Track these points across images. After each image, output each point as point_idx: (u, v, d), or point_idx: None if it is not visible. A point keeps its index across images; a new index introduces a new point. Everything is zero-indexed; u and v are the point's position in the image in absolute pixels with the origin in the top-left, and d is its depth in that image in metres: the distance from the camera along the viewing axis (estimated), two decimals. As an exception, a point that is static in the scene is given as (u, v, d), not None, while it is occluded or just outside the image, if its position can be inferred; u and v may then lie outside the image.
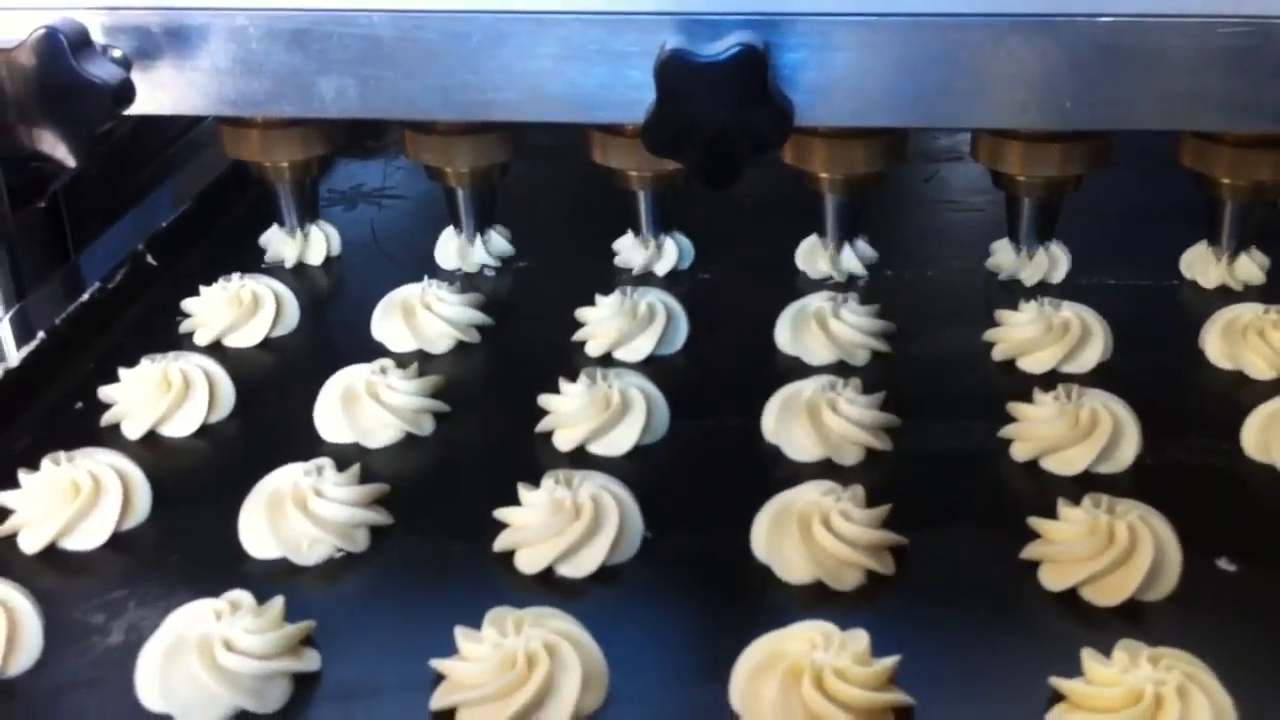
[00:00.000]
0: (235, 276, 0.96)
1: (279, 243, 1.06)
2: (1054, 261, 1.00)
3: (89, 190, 1.08)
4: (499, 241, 1.06)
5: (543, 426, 0.83)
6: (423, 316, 0.92)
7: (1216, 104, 0.60)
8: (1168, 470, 0.79)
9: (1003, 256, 1.01)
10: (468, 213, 0.90)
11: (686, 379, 0.90)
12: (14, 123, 0.64)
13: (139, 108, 0.64)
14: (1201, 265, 0.99)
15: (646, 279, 1.02)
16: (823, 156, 0.79)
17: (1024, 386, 0.86)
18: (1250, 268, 0.97)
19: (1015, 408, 0.83)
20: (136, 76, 0.64)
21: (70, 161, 0.63)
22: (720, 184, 0.62)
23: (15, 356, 0.87)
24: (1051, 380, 0.87)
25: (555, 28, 0.62)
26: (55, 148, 0.62)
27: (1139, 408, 0.81)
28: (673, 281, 1.03)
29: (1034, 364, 0.90)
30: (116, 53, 0.64)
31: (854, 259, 1.02)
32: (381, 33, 0.63)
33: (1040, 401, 0.82)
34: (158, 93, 0.66)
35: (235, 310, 0.94)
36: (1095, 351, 0.90)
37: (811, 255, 1.03)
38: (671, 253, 1.03)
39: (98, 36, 0.64)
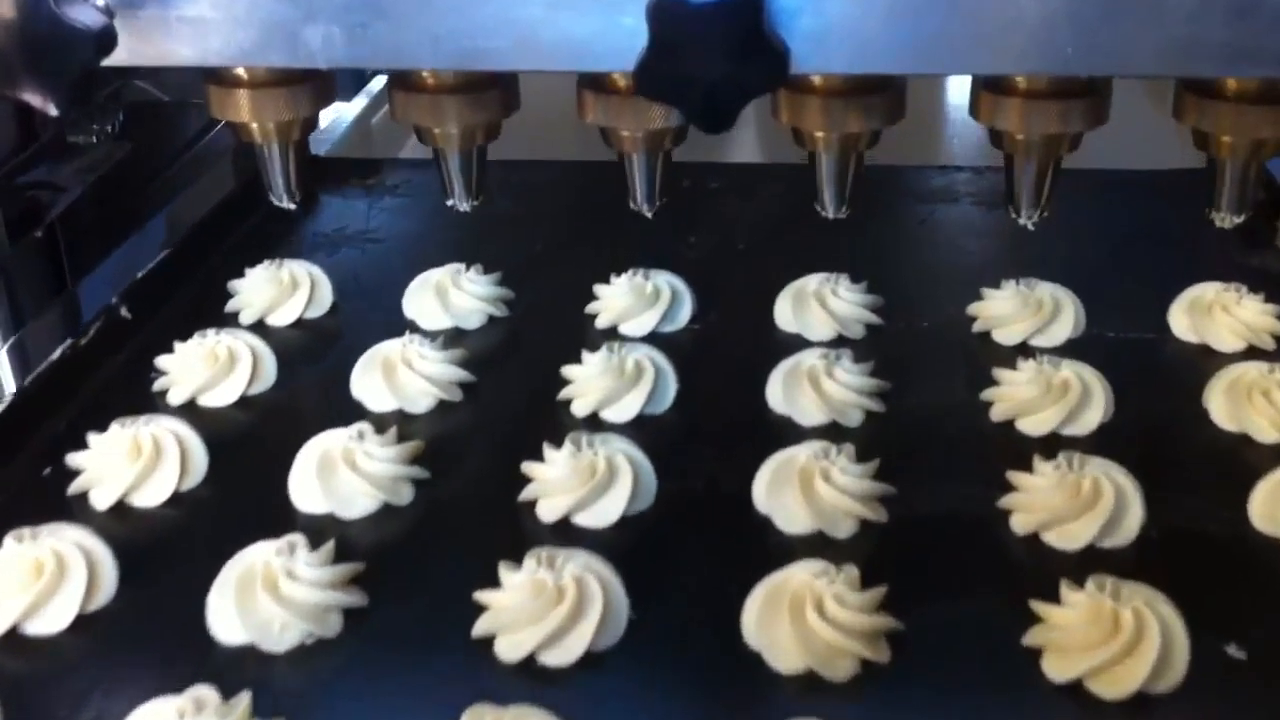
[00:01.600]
0: (211, 332, 0.94)
1: (263, 297, 1.04)
2: (1051, 314, 0.97)
3: (85, 218, 1.07)
4: (468, 300, 1.04)
5: (526, 495, 0.80)
6: (403, 374, 0.90)
7: (1216, 51, 0.59)
8: (1172, 543, 0.77)
9: (995, 305, 0.99)
10: (458, 176, 0.87)
11: (675, 440, 0.88)
12: (-7, 69, 0.63)
13: (123, 59, 0.63)
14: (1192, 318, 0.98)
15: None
16: (818, 115, 0.75)
17: (1023, 448, 0.84)
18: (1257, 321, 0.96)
19: (1015, 477, 0.80)
20: (119, 26, 0.62)
21: (51, 110, 0.61)
22: (718, 127, 0.61)
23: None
24: (1050, 441, 0.85)
25: None
26: (36, 96, 0.61)
27: (1141, 473, 0.78)
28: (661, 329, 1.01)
29: (1033, 426, 0.87)
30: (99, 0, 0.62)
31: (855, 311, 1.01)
32: None
33: (1040, 471, 0.79)
34: (142, 45, 0.63)
35: (211, 367, 0.91)
36: (1096, 413, 0.87)
37: (789, 312, 1.02)
38: (664, 301, 1.02)
39: None
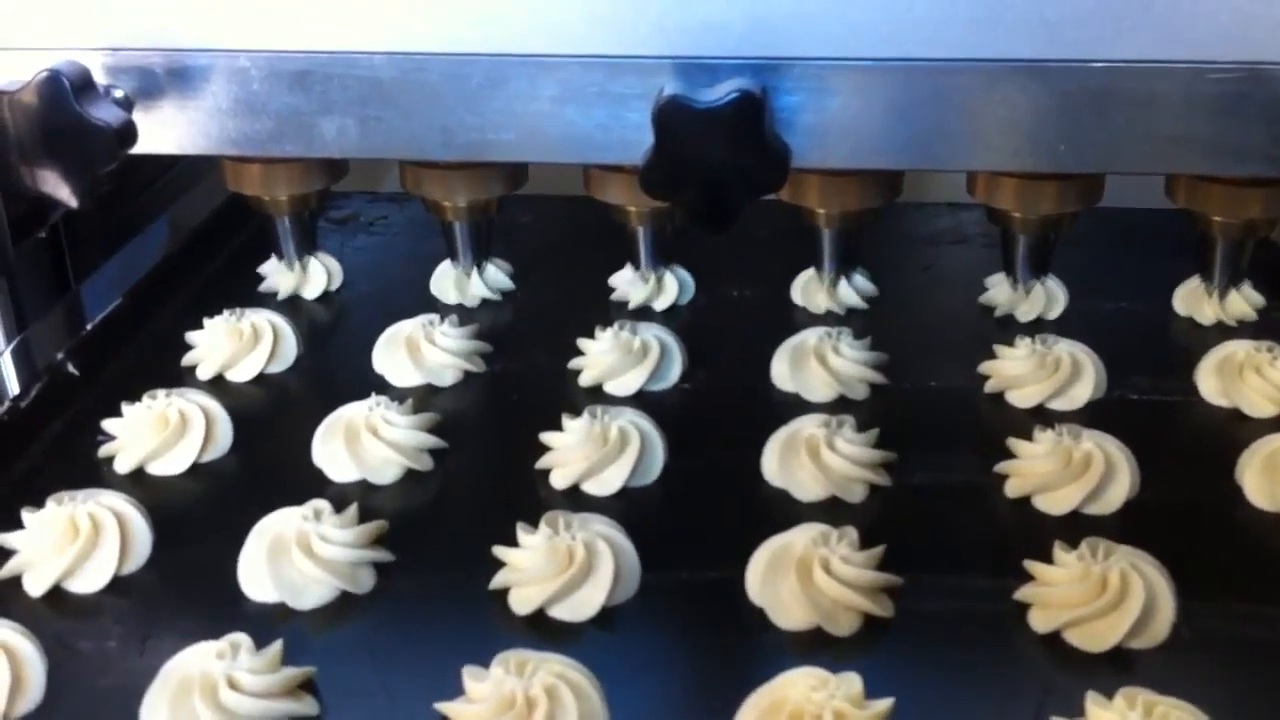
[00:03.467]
0: (161, 393, 0.88)
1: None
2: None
3: (89, 219, 1.07)
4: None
5: (497, 583, 0.74)
6: (368, 442, 0.83)
7: (1206, 148, 0.61)
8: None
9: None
10: (465, 246, 0.90)
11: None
12: (17, 163, 0.64)
13: (142, 147, 0.65)
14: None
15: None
16: (818, 193, 0.79)
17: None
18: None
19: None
20: (139, 116, 0.65)
21: (73, 202, 0.64)
22: (718, 228, 0.62)
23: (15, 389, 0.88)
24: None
25: (555, 70, 0.63)
26: (58, 188, 0.63)
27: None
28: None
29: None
30: (119, 93, 0.65)
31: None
32: (382, 74, 0.64)
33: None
34: (161, 132, 0.66)
35: (160, 433, 0.85)
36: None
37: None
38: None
39: (101, 77, 0.64)
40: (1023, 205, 0.78)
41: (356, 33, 0.63)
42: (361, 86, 0.64)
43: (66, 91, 0.61)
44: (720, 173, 0.60)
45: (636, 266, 0.97)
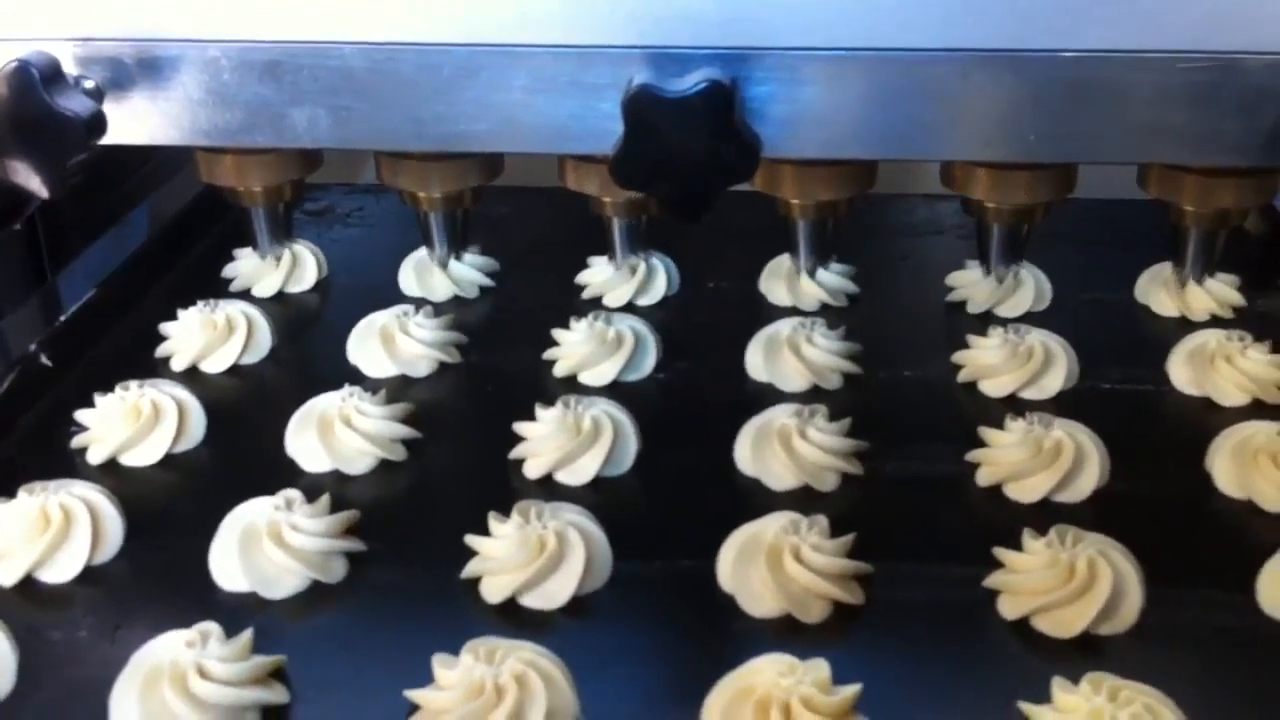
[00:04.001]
0: (134, 384, 0.88)
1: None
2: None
3: (66, 210, 1.07)
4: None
5: (469, 572, 0.74)
6: (341, 433, 0.83)
7: (1179, 138, 0.61)
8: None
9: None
10: (440, 237, 0.90)
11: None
12: (-14, 154, 0.65)
13: (113, 138, 0.65)
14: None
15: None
16: (793, 183, 0.79)
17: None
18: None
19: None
20: (110, 107, 0.64)
21: (43, 193, 0.63)
22: (690, 216, 0.62)
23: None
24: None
25: (527, 60, 0.62)
26: (28, 179, 0.63)
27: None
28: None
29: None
30: (89, 84, 0.64)
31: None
32: (354, 65, 0.63)
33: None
34: (131, 123, 0.66)
35: (133, 423, 0.85)
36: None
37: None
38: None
39: (71, 67, 0.64)
40: (996, 195, 0.78)
41: (327, 23, 0.62)
42: (333, 77, 0.63)
43: (35, 82, 0.61)
44: (690, 162, 0.60)
45: (612, 257, 0.97)
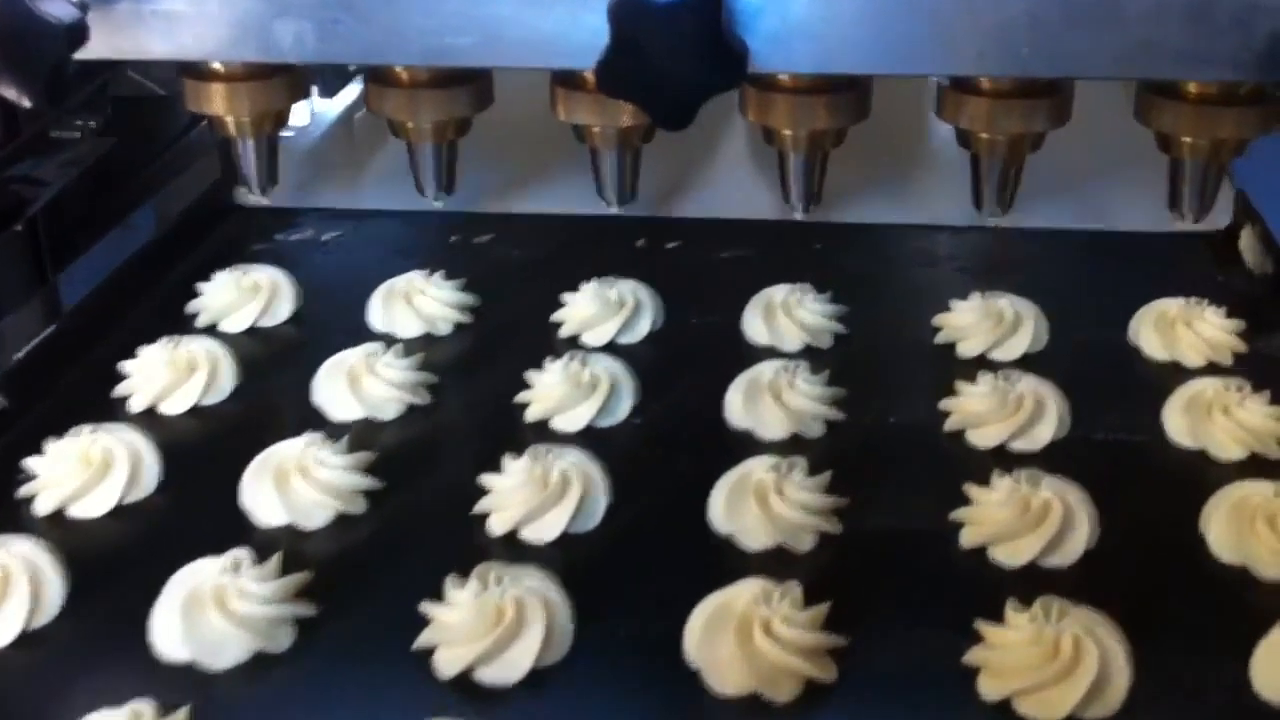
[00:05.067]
0: (86, 429, 0.84)
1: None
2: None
3: (68, 212, 1.06)
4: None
5: (421, 642, 0.71)
6: (297, 484, 0.80)
7: (1172, 54, 0.60)
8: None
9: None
10: (430, 170, 0.88)
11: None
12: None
13: (97, 52, 0.64)
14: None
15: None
16: (785, 112, 0.77)
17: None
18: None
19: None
20: (94, 20, 0.63)
21: (26, 102, 0.62)
22: (675, 125, 0.62)
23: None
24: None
25: None
26: (11, 89, 0.62)
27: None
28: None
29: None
30: None
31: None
32: None
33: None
34: (116, 38, 0.65)
35: (83, 472, 0.81)
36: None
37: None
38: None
39: None
40: (991, 124, 0.77)
41: None
42: None
43: None
44: (676, 71, 0.60)
45: (601, 194, 0.92)
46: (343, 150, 1.24)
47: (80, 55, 0.64)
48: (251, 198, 1.17)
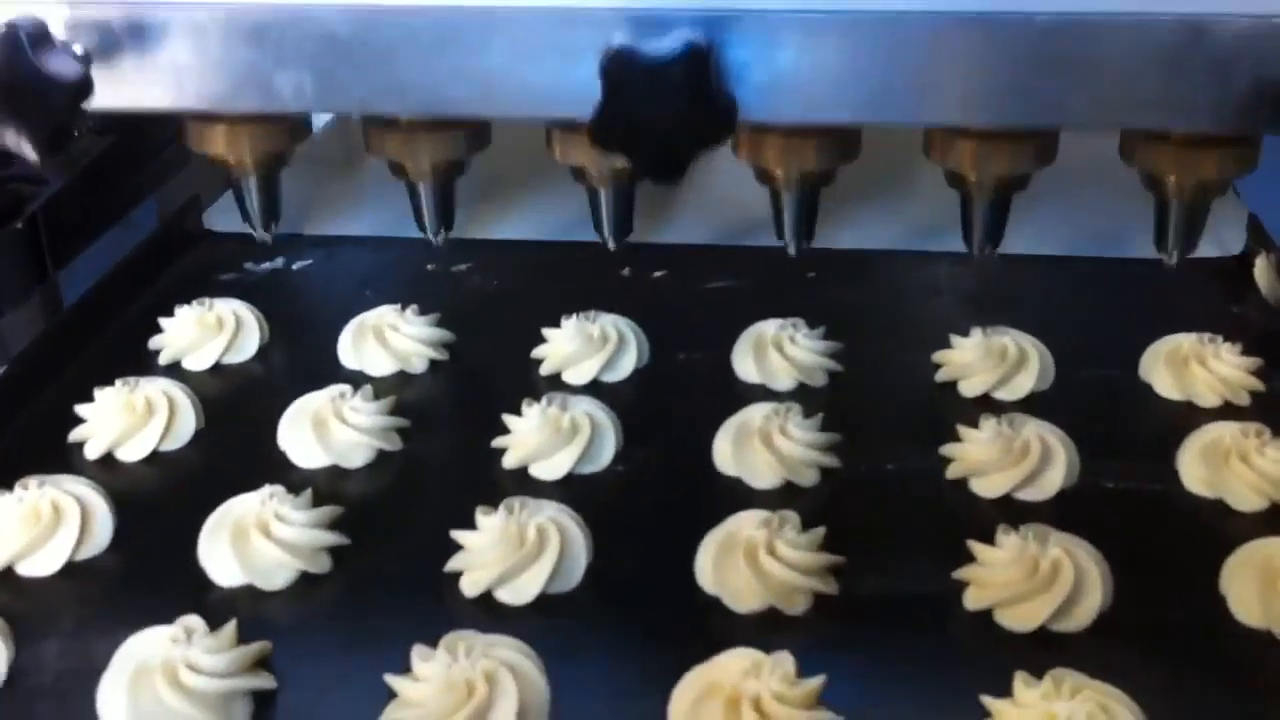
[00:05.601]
0: (34, 482, 0.80)
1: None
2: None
3: (68, 210, 1.05)
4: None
5: (453, 566, 0.75)
6: (257, 543, 0.76)
7: (1152, 103, 0.60)
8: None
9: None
10: (431, 209, 0.85)
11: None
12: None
13: (101, 103, 0.64)
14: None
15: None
16: (776, 153, 0.77)
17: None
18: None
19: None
20: (98, 72, 0.63)
21: (32, 156, 0.62)
22: (668, 178, 0.62)
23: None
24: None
25: (506, 24, 0.61)
26: (17, 144, 0.62)
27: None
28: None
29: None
30: (78, 49, 0.64)
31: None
32: (337, 29, 0.62)
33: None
34: (119, 89, 0.65)
35: (31, 529, 0.77)
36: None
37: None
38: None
39: (59, 32, 0.63)
40: (979, 166, 0.76)
41: None
42: (316, 41, 0.63)
43: (22, 45, 0.60)
44: (668, 125, 0.60)
45: (599, 231, 0.89)
46: (316, 177, 1.19)
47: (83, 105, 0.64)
48: (220, 224, 1.15)
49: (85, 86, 0.63)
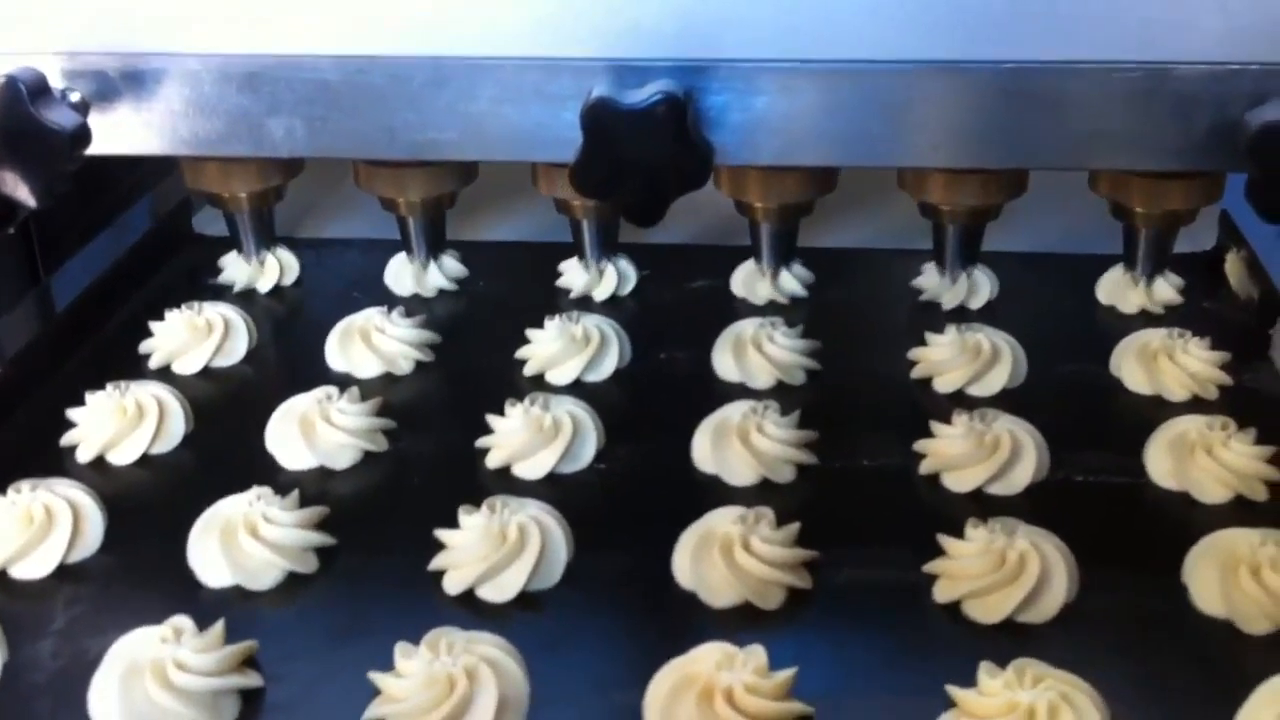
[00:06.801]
0: (26, 485, 0.81)
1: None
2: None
3: (60, 212, 1.05)
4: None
5: (436, 564, 0.77)
6: (245, 543, 0.77)
7: (1119, 145, 0.63)
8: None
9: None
10: (419, 242, 0.89)
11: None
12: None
13: (98, 148, 0.66)
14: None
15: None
16: (757, 187, 0.80)
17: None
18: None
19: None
20: (95, 118, 0.66)
21: (31, 202, 0.65)
22: (647, 221, 0.65)
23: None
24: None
25: (493, 72, 0.64)
26: (16, 189, 0.64)
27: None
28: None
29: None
30: (75, 96, 0.66)
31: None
32: (328, 76, 0.65)
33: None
34: (116, 134, 0.67)
35: (25, 530, 0.79)
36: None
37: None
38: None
39: (57, 80, 0.66)
40: (950, 198, 0.80)
41: (303, 37, 0.65)
42: (308, 88, 0.65)
43: (22, 96, 0.62)
44: (646, 170, 0.62)
45: (583, 259, 0.94)
46: (304, 179, 1.20)
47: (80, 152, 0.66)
48: (210, 228, 1.17)
49: (83, 135, 0.65)
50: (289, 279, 1.12)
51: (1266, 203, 0.62)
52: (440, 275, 1.09)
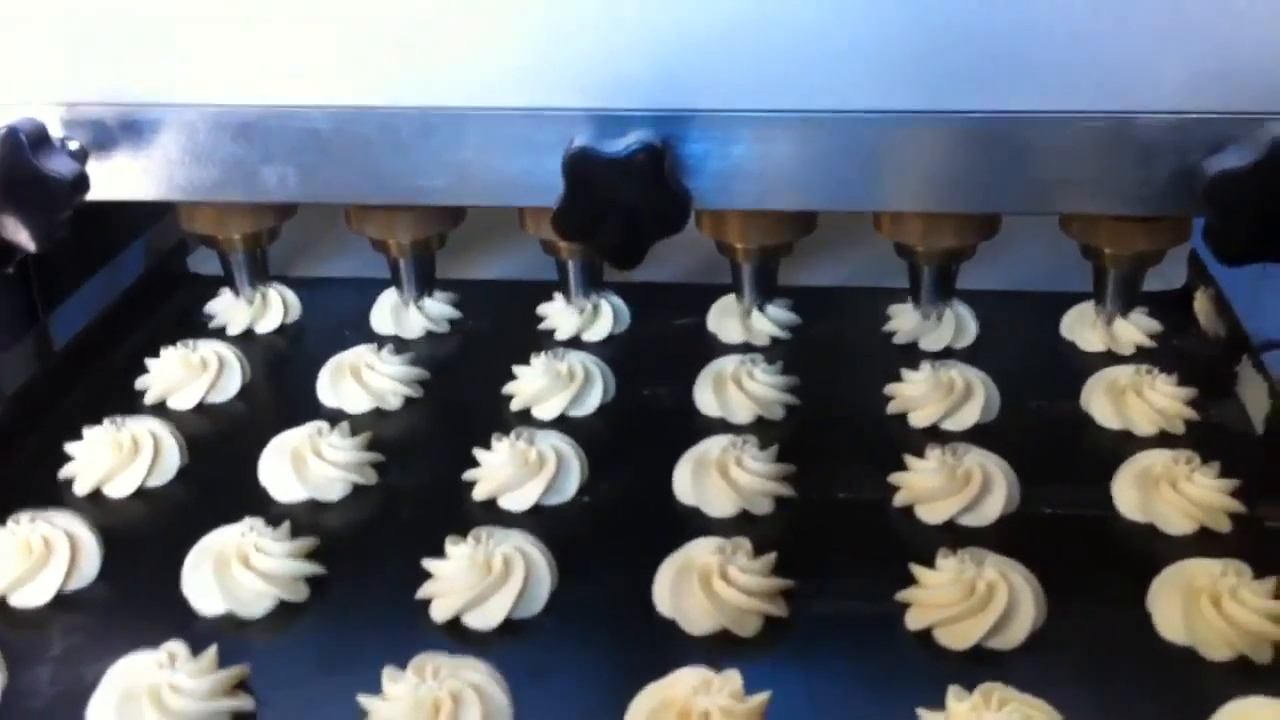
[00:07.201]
0: (25, 517, 0.84)
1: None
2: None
3: (59, 253, 1.05)
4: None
5: (424, 593, 0.79)
6: (238, 573, 0.80)
7: (1084, 190, 0.65)
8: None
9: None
10: (409, 281, 0.90)
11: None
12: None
13: (96, 194, 0.68)
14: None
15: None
16: (737, 229, 0.82)
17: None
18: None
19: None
20: (93, 165, 0.68)
21: (31, 247, 0.67)
22: (627, 263, 0.67)
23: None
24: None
25: (478, 122, 0.66)
26: (16, 234, 0.66)
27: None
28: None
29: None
30: (74, 145, 0.68)
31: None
32: (320, 126, 0.67)
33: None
34: (114, 180, 0.69)
35: (24, 561, 0.81)
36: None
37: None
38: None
39: (57, 130, 0.68)
40: (925, 240, 0.81)
41: (296, 88, 0.67)
42: (300, 137, 0.68)
43: (23, 145, 0.65)
44: (625, 216, 0.65)
45: (568, 297, 0.94)
46: (297, 220, 1.23)
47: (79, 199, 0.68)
48: (204, 268, 1.20)
49: (81, 183, 0.67)
50: (292, 317, 1.15)
51: (1222, 246, 0.64)
52: (425, 319, 1.12)
